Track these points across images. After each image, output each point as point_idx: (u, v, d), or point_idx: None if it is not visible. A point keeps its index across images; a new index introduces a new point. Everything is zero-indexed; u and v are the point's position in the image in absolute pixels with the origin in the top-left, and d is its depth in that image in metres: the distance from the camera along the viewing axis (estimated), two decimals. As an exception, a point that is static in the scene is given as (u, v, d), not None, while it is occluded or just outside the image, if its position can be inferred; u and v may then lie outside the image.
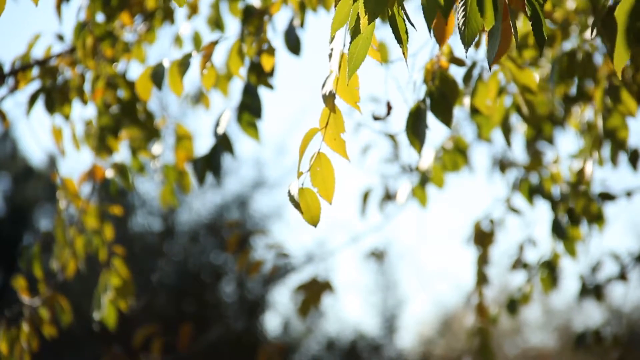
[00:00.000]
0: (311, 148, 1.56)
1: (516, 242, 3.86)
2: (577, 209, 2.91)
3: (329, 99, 1.55)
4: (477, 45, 2.39)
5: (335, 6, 1.45)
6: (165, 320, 9.16)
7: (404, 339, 13.01)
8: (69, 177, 3.06)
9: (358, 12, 1.43)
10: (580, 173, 2.91)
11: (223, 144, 2.50)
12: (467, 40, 1.37)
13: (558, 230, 3.10)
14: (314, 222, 1.55)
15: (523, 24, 2.50)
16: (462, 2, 1.36)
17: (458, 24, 1.37)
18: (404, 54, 1.46)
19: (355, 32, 1.43)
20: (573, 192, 2.94)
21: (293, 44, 2.54)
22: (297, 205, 1.54)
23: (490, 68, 1.45)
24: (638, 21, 1.29)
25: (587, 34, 2.50)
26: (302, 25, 2.58)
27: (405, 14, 1.45)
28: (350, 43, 1.44)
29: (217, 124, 2.50)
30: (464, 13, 1.37)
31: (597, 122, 2.50)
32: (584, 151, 2.82)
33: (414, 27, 1.46)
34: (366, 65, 1.52)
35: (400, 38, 1.45)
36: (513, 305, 3.91)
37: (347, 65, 1.45)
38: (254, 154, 11.50)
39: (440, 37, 1.62)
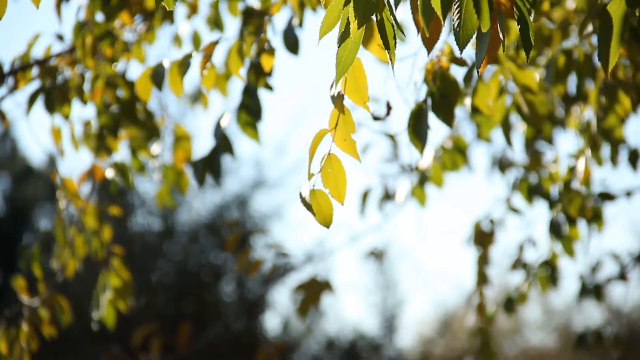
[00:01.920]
0: (321, 149, 1.56)
1: (516, 242, 3.86)
2: (571, 208, 2.91)
3: (337, 100, 1.54)
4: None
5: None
6: (165, 320, 9.15)
7: (403, 339, 13.01)
8: (69, 177, 3.06)
9: (348, 17, 1.42)
10: (572, 171, 2.91)
11: (223, 145, 2.49)
12: (462, 42, 1.37)
13: (554, 230, 3.10)
14: (327, 223, 1.55)
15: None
16: (457, 4, 1.36)
17: (453, 25, 1.37)
18: (391, 59, 1.46)
19: (344, 36, 1.43)
20: (565, 191, 2.94)
21: (291, 43, 2.53)
22: (309, 206, 1.53)
23: (478, 72, 1.45)
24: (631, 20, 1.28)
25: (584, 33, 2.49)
26: (300, 24, 2.57)
27: (395, 19, 1.44)
28: (339, 47, 1.43)
29: (217, 126, 2.49)
30: (459, 14, 1.36)
31: (592, 122, 2.50)
32: (582, 151, 2.81)
33: (403, 33, 1.46)
34: (366, 65, 1.51)
35: (388, 44, 1.45)
36: (510, 304, 3.91)
37: (336, 68, 1.45)
38: (254, 154, 11.50)
39: (429, 45, 1.62)
